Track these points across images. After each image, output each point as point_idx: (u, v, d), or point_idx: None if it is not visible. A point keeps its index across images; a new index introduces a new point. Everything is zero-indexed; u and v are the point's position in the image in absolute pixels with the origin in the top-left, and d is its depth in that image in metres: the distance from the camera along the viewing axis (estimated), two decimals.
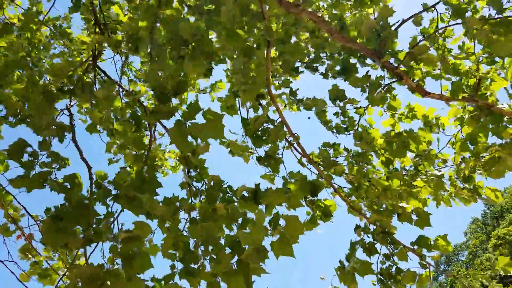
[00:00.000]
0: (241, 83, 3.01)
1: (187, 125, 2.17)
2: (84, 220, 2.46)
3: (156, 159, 3.59)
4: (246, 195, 2.91)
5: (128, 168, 3.41)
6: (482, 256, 35.37)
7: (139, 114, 3.37)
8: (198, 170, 3.46)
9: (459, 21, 3.29)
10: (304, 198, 3.21)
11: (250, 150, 3.89)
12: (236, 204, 2.92)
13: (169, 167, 4.55)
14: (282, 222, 2.45)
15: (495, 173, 3.28)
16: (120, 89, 3.75)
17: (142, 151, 3.51)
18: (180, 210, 2.96)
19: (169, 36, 2.21)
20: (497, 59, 3.41)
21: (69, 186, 2.64)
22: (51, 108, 3.06)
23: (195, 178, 3.46)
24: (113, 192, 2.93)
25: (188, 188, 3.40)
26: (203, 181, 3.42)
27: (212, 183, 3.21)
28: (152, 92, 4.21)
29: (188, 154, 3.49)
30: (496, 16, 3.17)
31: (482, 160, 3.38)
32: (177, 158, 4.34)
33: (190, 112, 2.16)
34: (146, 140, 3.81)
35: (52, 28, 4.55)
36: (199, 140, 2.21)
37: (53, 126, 3.04)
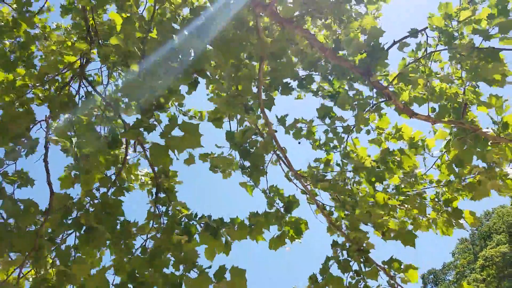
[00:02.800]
0: (227, 96, 3.07)
1: (165, 140, 2.21)
2: (27, 245, 2.49)
3: (126, 182, 3.53)
4: (210, 224, 2.97)
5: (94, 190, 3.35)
6: (469, 276, 35.44)
7: (117, 132, 3.35)
8: (166, 194, 3.50)
9: (447, 45, 3.38)
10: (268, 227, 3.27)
11: (233, 164, 3.93)
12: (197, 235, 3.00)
13: (139, 182, 4.45)
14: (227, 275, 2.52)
15: (478, 194, 3.36)
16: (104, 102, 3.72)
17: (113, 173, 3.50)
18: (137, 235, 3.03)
19: (157, 46, 2.25)
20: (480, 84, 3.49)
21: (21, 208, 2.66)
22: (27, 117, 3.05)
23: (161, 201, 3.49)
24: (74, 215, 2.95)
25: (152, 211, 3.42)
26: (168, 204, 3.44)
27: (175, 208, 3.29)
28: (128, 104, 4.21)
29: (161, 177, 3.53)
30: (483, 43, 3.27)
31: (464, 183, 3.45)
32: (149, 180, 4.30)
33: (170, 127, 2.21)
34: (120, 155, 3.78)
35: (40, 29, 4.52)
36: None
37: (25, 140, 3.02)
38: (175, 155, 2.20)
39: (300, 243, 3.41)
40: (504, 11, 3.14)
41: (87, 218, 2.78)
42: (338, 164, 4.18)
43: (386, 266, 3.35)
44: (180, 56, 2.36)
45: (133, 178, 4.24)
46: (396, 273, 3.34)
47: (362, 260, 3.37)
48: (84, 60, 3.75)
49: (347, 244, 3.53)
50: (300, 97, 4.40)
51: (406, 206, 3.56)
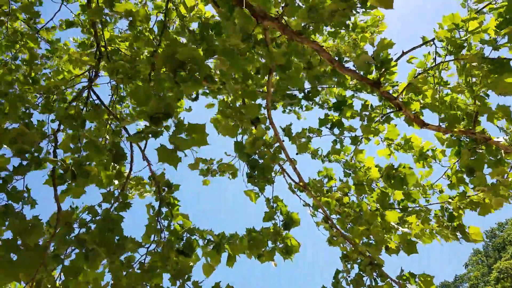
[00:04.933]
0: (233, 110, 3.10)
1: (172, 142, 2.26)
2: (36, 263, 2.52)
3: (128, 198, 3.54)
4: (212, 239, 3.00)
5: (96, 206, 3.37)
6: None
7: (121, 146, 3.39)
8: (169, 208, 3.52)
9: (455, 56, 3.37)
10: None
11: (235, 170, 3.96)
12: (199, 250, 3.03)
13: (139, 192, 4.47)
14: None
15: (483, 210, 3.31)
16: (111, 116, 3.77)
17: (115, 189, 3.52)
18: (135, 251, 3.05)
19: (165, 59, 2.28)
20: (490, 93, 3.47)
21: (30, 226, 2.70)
22: (37, 131, 3.09)
23: (164, 215, 3.51)
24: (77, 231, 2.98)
25: (152, 225, 3.44)
26: (170, 219, 3.46)
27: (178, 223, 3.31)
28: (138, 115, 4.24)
29: (164, 190, 3.55)
30: (493, 54, 3.26)
31: (468, 199, 3.42)
32: (152, 193, 4.32)
33: (178, 131, 2.26)
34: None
35: (48, 43, 4.61)
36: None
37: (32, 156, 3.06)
38: (185, 154, 2.25)
39: (292, 262, 3.40)
40: None
41: (89, 236, 2.81)
42: (341, 180, 4.16)
43: (401, 281, 3.29)
44: (189, 66, 2.39)
45: (136, 192, 4.27)
46: (411, 284, 3.28)
47: (375, 274, 3.31)
48: (93, 74, 3.82)
49: (360, 258, 3.49)
50: (309, 108, 4.42)
51: (407, 222, 3.51)
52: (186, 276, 2.92)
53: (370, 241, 3.51)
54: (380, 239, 3.38)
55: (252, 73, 4.16)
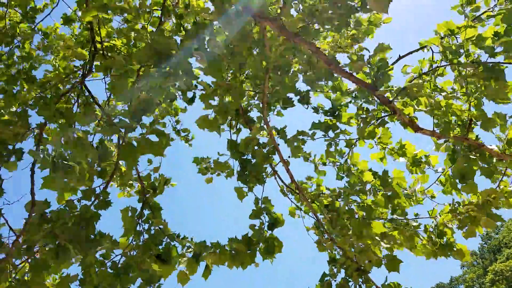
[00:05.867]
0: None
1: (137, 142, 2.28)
2: None
3: (109, 197, 3.51)
4: (191, 247, 3.00)
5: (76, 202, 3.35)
6: None
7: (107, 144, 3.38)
8: (152, 211, 3.51)
9: (451, 62, 3.37)
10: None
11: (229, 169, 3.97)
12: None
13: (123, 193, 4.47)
14: None
15: (468, 232, 3.34)
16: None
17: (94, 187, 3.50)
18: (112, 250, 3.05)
19: (148, 51, 2.29)
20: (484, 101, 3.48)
21: None
22: (20, 124, 3.09)
23: (145, 218, 3.50)
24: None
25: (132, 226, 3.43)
26: (151, 222, 3.45)
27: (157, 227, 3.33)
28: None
29: (149, 192, 3.55)
30: (488, 61, 3.26)
31: (458, 217, 3.43)
32: (135, 193, 4.31)
33: (150, 131, 2.29)
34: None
35: (43, 38, 4.59)
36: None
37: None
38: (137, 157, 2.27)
39: (272, 263, 3.41)
40: (510, 29, 3.13)
41: (62, 231, 2.80)
42: (328, 188, 4.17)
43: None
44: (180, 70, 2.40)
45: (120, 189, 4.27)
46: None
47: (361, 280, 3.33)
48: (86, 70, 3.80)
49: (347, 263, 3.50)
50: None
51: (391, 237, 3.51)
52: (157, 284, 2.92)
53: (359, 245, 3.52)
54: (367, 248, 3.40)
55: (251, 72, 4.17)
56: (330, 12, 3.57)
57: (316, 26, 3.83)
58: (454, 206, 3.53)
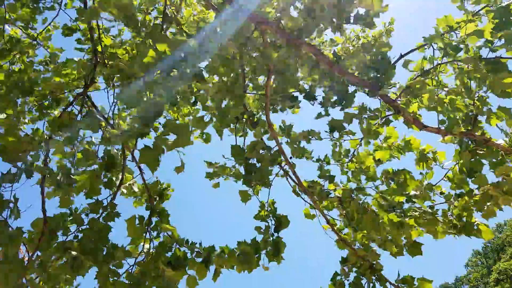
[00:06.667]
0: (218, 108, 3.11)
1: (154, 141, 2.25)
2: (14, 274, 2.52)
3: (116, 208, 3.48)
4: (200, 252, 2.99)
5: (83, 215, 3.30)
6: None
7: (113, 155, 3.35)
8: (160, 217, 3.50)
9: (452, 58, 3.38)
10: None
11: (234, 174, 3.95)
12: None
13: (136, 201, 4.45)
14: None
15: (487, 212, 3.30)
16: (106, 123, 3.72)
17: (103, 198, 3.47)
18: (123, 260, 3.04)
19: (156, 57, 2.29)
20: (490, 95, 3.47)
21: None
22: (27, 139, 3.06)
23: (154, 225, 3.48)
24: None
25: (144, 235, 3.41)
26: (160, 229, 3.43)
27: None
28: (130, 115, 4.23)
29: (155, 199, 3.53)
30: (490, 55, 3.26)
31: (474, 198, 3.40)
32: (145, 203, 4.28)
33: (165, 132, 2.26)
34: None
35: (45, 49, 4.57)
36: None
37: (22, 165, 3.03)
38: (162, 154, 2.24)
39: (278, 265, 3.38)
40: (509, 22, 3.14)
41: (74, 245, 2.78)
42: (341, 182, 4.15)
43: (399, 285, 3.28)
44: (182, 68, 2.39)
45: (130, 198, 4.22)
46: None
47: (374, 278, 3.30)
48: (89, 80, 3.77)
49: (359, 262, 3.47)
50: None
51: (408, 225, 3.48)
52: None
53: (378, 238, 3.50)
54: (382, 242, 3.37)
55: (249, 76, 4.17)
56: (327, 10, 3.57)
57: (315, 26, 3.84)
58: (470, 190, 3.51)
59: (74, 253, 2.76)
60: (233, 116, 3.89)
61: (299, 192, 4.01)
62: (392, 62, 3.83)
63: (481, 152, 3.56)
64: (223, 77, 3.53)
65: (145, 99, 2.27)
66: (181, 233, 3.36)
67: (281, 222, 3.66)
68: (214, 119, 4.15)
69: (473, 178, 3.44)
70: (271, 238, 3.53)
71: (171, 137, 2.30)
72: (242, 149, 3.90)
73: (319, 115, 3.91)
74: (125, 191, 4.47)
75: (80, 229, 3.11)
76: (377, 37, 5.05)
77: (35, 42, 4.36)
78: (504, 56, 3.23)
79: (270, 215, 3.76)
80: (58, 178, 3.09)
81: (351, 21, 3.37)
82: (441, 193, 3.79)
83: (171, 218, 3.44)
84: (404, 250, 3.41)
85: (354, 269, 3.50)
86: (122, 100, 2.42)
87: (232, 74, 3.67)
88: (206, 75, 3.58)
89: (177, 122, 4.45)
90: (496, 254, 37.48)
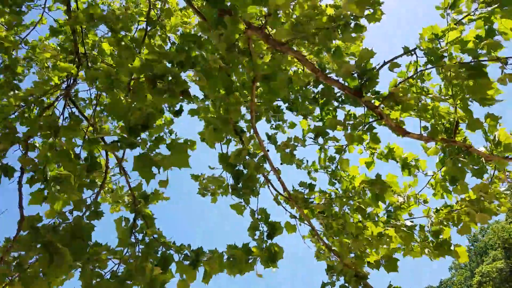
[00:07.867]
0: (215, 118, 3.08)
1: (152, 154, 2.21)
2: None
3: (100, 207, 3.42)
4: (188, 254, 2.95)
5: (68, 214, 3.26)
6: None
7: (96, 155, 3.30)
8: (145, 220, 3.45)
9: (435, 65, 3.41)
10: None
11: (224, 186, 3.90)
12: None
13: (114, 207, 4.39)
14: None
15: (463, 229, 3.35)
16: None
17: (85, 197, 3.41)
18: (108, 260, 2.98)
19: (144, 69, 2.25)
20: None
21: None
22: (8, 138, 3.00)
23: (139, 228, 3.43)
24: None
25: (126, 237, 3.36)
26: (145, 232, 3.39)
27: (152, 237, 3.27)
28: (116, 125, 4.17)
29: (139, 203, 3.49)
30: (471, 62, 3.30)
31: (452, 214, 3.44)
32: (128, 205, 4.22)
33: (156, 144, 2.21)
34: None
35: (28, 49, 4.51)
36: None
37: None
38: (158, 171, 2.20)
39: (274, 272, 3.35)
40: (491, 32, 3.19)
41: (56, 238, 2.68)
42: (322, 191, 4.14)
43: None
44: (169, 77, 2.35)
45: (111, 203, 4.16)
46: None
47: (360, 286, 3.30)
48: (71, 82, 3.72)
49: (345, 270, 3.47)
50: (293, 126, 4.42)
51: (388, 236, 3.50)
52: None
53: (354, 253, 3.50)
54: (362, 252, 3.38)
55: (237, 84, 4.14)
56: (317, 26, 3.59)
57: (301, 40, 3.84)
58: (447, 206, 3.54)
59: (55, 246, 2.65)
60: (231, 127, 3.84)
61: (280, 201, 4.00)
62: (376, 69, 3.86)
63: (463, 159, 3.60)
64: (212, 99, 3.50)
65: (133, 110, 2.23)
66: (178, 241, 3.32)
67: (275, 228, 3.62)
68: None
69: (455, 186, 3.47)
70: (265, 245, 3.49)
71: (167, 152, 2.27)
72: (229, 156, 3.87)
73: (306, 132, 3.91)
74: (108, 195, 4.41)
75: (63, 225, 3.02)
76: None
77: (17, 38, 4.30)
78: (483, 59, 3.28)
79: (261, 222, 3.73)
80: (45, 172, 3.02)
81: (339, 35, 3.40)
82: (425, 201, 3.82)
83: (164, 224, 3.40)
84: (381, 263, 3.42)
85: (341, 277, 3.50)
86: (107, 110, 2.36)
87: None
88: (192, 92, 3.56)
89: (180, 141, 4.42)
90: (479, 257, 38.08)
